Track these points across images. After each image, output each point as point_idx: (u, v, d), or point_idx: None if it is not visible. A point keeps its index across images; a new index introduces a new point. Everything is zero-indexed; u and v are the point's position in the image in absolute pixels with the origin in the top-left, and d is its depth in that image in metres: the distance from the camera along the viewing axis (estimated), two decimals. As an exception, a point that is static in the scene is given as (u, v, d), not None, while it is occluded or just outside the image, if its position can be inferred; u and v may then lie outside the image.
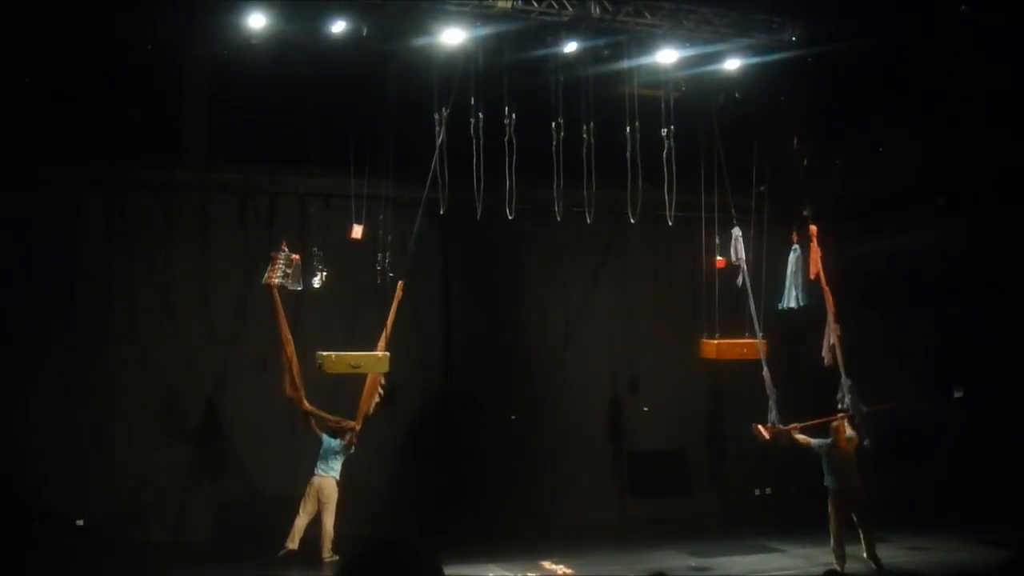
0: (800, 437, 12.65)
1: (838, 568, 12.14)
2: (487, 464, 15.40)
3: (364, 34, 12.61)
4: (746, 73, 14.18)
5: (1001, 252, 14.64)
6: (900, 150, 15.57)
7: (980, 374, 15.18)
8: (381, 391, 13.03)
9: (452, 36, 12.73)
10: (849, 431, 12.46)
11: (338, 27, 12.54)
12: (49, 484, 13.52)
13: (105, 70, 13.46)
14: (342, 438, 12.85)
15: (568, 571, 12.75)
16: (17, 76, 13.17)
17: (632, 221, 13.77)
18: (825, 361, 13.15)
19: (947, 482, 14.99)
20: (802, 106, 15.37)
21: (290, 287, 12.76)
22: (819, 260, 13.40)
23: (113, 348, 14.06)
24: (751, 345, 13.67)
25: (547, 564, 13.00)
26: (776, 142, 14.74)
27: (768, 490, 16.67)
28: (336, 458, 12.80)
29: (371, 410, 13.04)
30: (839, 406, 12.76)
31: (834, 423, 12.51)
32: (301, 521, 12.62)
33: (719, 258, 13.97)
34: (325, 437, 12.84)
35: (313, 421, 12.83)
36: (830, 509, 12.29)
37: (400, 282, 12.96)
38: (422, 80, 12.93)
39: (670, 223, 13.78)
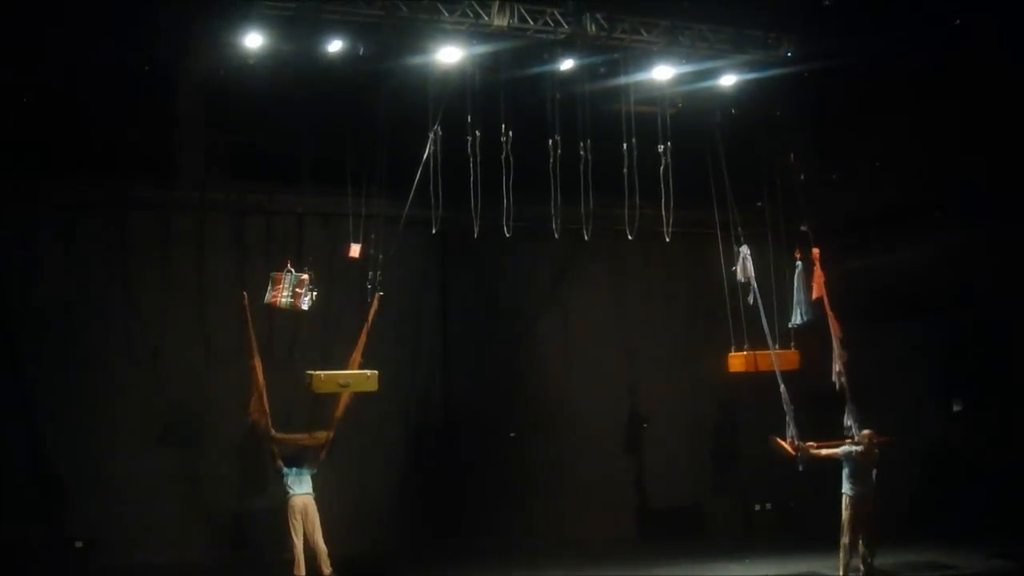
0: (821, 452, 12.56)
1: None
2: (487, 482, 15.35)
3: (360, 53, 12.62)
4: (742, 89, 14.21)
5: (998, 263, 14.66)
6: (897, 163, 15.60)
7: (982, 387, 15.18)
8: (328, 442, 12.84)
9: (448, 55, 12.75)
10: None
11: (334, 46, 12.54)
12: (48, 505, 13.47)
13: (101, 91, 13.45)
14: (310, 458, 12.67)
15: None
16: (14, 97, 13.15)
17: (630, 238, 13.76)
18: (836, 387, 13.09)
19: (949, 495, 14.99)
20: (799, 121, 15.40)
21: (303, 307, 12.72)
22: (823, 284, 13.36)
23: (109, 367, 14.02)
24: (785, 355, 13.62)
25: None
26: (773, 157, 14.76)
27: (768, 505, 16.62)
28: (309, 476, 12.64)
29: (344, 415, 12.85)
30: (844, 433, 12.65)
31: (864, 432, 12.41)
32: (300, 545, 12.44)
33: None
34: (285, 469, 12.58)
35: (276, 450, 12.57)
36: (845, 516, 12.23)
37: (377, 295, 12.90)
38: (419, 99, 12.93)
39: (667, 239, 13.78)
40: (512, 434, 15.66)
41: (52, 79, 13.23)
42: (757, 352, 13.67)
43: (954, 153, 14.85)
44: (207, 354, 14.42)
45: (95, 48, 12.66)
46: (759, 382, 13.72)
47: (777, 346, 13.74)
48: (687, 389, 16.00)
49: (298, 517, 12.46)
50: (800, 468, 12.78)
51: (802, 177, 14.72)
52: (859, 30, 13.60)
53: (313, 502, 12.58)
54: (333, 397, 12.83)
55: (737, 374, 13.96)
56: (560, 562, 13.94)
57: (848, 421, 12.64)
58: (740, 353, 13.78)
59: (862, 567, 12.30)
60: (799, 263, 13.80)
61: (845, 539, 12.25)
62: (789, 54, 13.79)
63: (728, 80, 14.04)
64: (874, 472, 12.31)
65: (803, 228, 14.06)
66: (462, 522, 15.03)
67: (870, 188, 15.97)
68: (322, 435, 12.79)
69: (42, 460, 13.54)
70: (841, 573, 12.28)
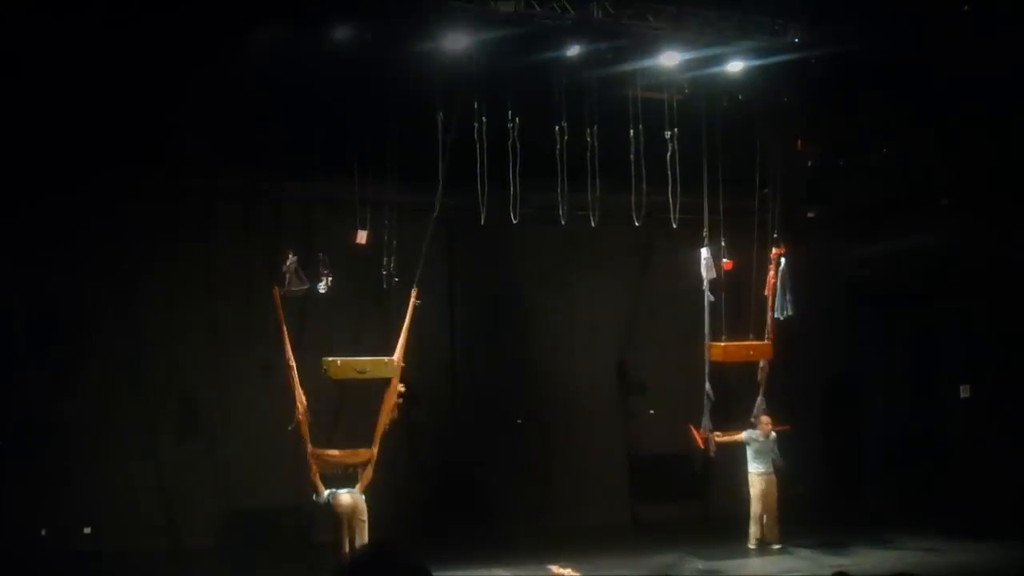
0: (726, 438, 13.91)
1: (752, 546, 13.85)
2: (493, 468, 15.40)
3: (367, 39, 12.60)
4: (749, 75, 14.16)
5: (1006, 251, 14.64)
6: (904, 150, 15.56)
7: (987, 374, 15.17)
8: (399, 399, 12.49)
9: (455, 40, 12.72)
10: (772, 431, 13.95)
11: (341, 32, 12.53)
12: (55, 492, 13.51)
13: (107, 77, 13.43)
14: (353, 478, 11.95)
15: (575, 574, 12.71)
16: (19, 86, 13.15)
17: (637, 224, 13.77)
18: (758, 378, 14.18)
19: (953, 482, 14.99)
20: (805, 108, 15.36)
21: (301, 292, 12.68)
22: (772, 286, 14.13)
23: (117, 355, 14.04)
24: (758, 347, 14.19)
25: (554, 568, 12.96)
26: (779, 144, 14.73)
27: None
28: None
29: (388, 428, 12.51)
30: (751, 419, 13.94)
31: (762, 417, 13.94)
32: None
33: (725, 260, 14.04)
34: (326, 494, 11.85)
35: (316, 469, 11.91)
36: (753, 492, 13.84)
37: (415, 289, 12.85)
38: (425, 85, 12.92)
39: (674, 225, 13.79)
40: (519, 420, 15.70)
41: (58, 66, 13.19)
42: (728, 344, 14.12)
43: (962, 140, 14.80)
44: (214, 341, 14.43)
45: (101, 34, 12.62)
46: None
47: (751, 336, 14.39)
48: (694, 373, 15.96)
49: (345, 516, 11.70)
50: (711, 455, 14.10)
51: (808, 164, 14.72)
52: (866, 16, 13.55)
53: (362, 499, 11.83)
54: (371, 408, 12.62)
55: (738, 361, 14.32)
56: (569, 546, 13.93)
57: (755, 411, 13.98)
58: (719, 343, 14.09)
59: (768, 535, 13.82)
60: (783, 259, 14.08)
61: (755, 511, 13.84)
62: (796, 40, 13.73)
63: (735, 66, 13.99)
64: (775, 452, 13.88)
65: (810, 214, 14.09)
66: (469, 508, 15.05)
67: (876, 175, 15.93)
68: (364, 453, 12.07)
69: (48, 445, 13.54)
70: (752, 542, 13.83)
